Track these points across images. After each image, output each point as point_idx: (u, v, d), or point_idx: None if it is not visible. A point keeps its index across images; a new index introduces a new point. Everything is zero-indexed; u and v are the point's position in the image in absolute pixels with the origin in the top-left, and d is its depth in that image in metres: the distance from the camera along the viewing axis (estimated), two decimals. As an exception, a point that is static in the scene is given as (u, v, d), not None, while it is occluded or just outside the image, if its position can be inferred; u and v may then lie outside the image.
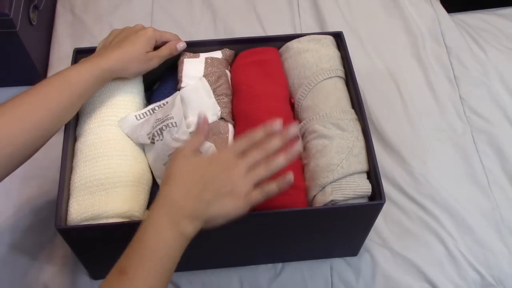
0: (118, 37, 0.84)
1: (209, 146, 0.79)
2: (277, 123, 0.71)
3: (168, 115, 0.80)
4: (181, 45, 0.88)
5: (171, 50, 0.87)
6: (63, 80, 0.75)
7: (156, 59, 0.84)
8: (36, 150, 0.75)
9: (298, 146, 0.72)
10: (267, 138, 0.71)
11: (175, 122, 0.80)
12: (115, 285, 0.61)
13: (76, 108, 0.78)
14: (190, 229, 0.65)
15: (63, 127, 0.80)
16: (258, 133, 0.72)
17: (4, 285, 0.90)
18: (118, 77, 0.82)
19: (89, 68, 0.77)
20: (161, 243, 0.63)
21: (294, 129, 0.71)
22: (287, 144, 0.71)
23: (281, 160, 0.70)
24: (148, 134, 0.81)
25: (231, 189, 0.67)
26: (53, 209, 0.76)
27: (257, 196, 0.69)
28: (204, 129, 0.74)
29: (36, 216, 0.96)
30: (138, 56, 0.82)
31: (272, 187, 0.70)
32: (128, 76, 0.83)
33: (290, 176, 0.71)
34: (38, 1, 1.10)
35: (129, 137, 0.82)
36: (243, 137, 0.72)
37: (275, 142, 0.71)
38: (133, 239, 0.64)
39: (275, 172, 0.70)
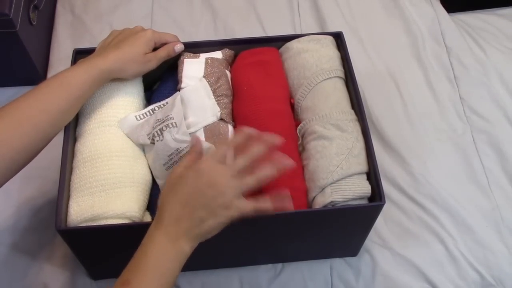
0: (117, 38, 0.84)
1: (208, 147, 0.79)
2: (250, 130, 0.73)
3: (168, 115, 0.80)
4: (179, 47, 0.88)
5: (168, 51, 0.87)
6: (61, 82, 0.75)
7: (154, 61, 0.84)
8: (36, 153, 0.75)
9: (288, 161, 0.72)
10: (249, 143, 0.72)
11: (175, 123, 0.80)
12: None
13: (75, 110, 0.78)
14: (188, 247, 0.67)
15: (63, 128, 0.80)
16: (238, 137, 0.72)
17: (4, 285, 0.90)
18: (117, 78, 0.82)
19: (87, 69, 0.77)
20: (162, 258, 0.65)
21: (278, 139, 0.72)
22: (275, 153, 0.72)
23: (268, 170, 0.70)
24: (148, 135, 0.81)
25: (222, 201, 0.67)
26: (53, 209, 0.76)
27: (248, 206, 0.69)
28: (197, 150, 0.74)
29: (36, 216, 0.96)
30: (136, 57, 0.81)
31: (267, 204, 0.70)
32: (126, 77, 0.83)
33: (286, 192, 0.72)
34: (38, 1, 1.10)
35: (129, 137, 0.82)
36: (223, 143, 0.73)
37: (258, 148, 0.71)
38: (135, 254, 0.66)
39: (264, 182, 0.70)
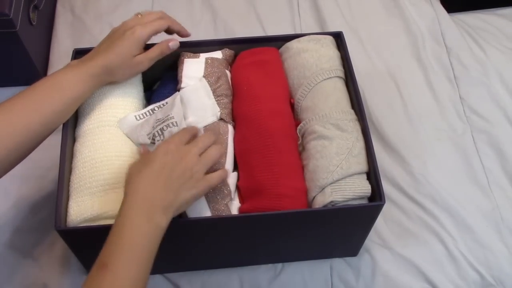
0: (109, 39, 0.81)
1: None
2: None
3: (169, 115, 0.80)
4: (173, 44, 0.84)
5: (162, 50, 0.83)
6: (53, 83, 0.75)
7: (145, 62, 0.81)
8: (27, 153, 0.75)
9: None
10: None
11: (176, 122, 0.80)
12: (97, 280, 0.62)
13: (68, 112, 0.78)
14: (164, 220, 0.67)
15: (62, 128, 0.80)
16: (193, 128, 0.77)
17: (4, 285, 0.90)
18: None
19: (77, 73, 0.77)
20: (139, 236, 0.65)
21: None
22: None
23: (217, 149, 0.76)
24: (148, 134, 0.81)
25: (191, 175, 0.70)
26: (53, 209, 0.76)
27: (215, 177, 0.74)
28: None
29: (36, 216, 0.96)
30: (124, 61, 0.79)
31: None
32: (118, 81, 0.82)
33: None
34: (38, 1, 1.10)
35: (128, 137, 0.82)
36: (186, 129, 0.76)
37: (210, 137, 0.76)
38: (110, 235, 0.65)
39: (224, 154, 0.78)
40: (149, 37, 0.81)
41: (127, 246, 0.64)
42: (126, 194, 0.68)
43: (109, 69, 0.78)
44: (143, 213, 0.66)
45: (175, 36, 0.88)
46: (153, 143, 0.81)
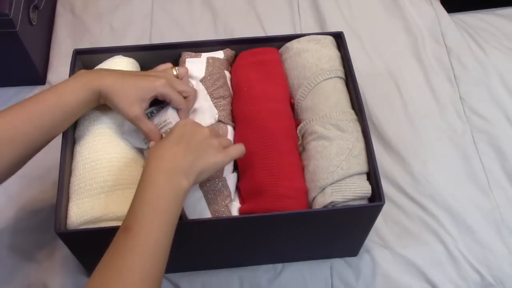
0: (134, 71, 0.84)
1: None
2: None
3: (166, 120, 0.80)
4: (152, 144, 0.78)
5: (148, 134, 0.78)
6: (57, 98, 0.74)
7: (136, 112, 0.76)
8: (24, 163, 0.75)
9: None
10: None
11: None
12: (122, 242, 0.63)
13: (68, 122, 0.77)
14: (185, 183, 0.68)
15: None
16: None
17: (4, 285, 0.90)
18: None
19: (82, 87, 0.75)
20: (161, 199, 0.66)
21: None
22: None
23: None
24: (144, 139, 0.81)
25: (209, 144, 0.73)
26: (53, 210, 0.76)
27: (235, 150, 0.76)
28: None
29: (36, 216, 0.96)
30: (128, 94, 0.76)
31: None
32: (111, 107, 0.78)
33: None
34: (38, 1, 1.10)
35: (127, 140, 0.82)
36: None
37: None
38: (133, 199, 0.66)
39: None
40: (162, 96, 0.79)
41: (150, 208, 0.65)
42: (147, 162, 0.69)
43: (105, 93, 0.76)
44: (164, 175, 0.67)
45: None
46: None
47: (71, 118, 0.77)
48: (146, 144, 0.81)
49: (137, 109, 0.76)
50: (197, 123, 0.76)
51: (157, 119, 0.81)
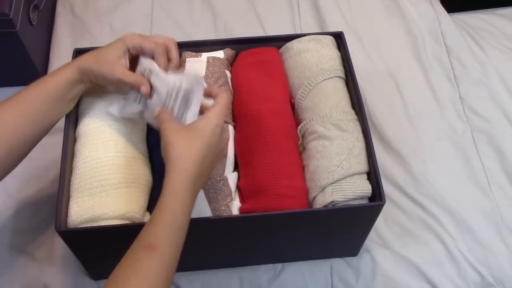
0: None
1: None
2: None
3: (144, 70, 0.77)
4: (144, 90, 0.75)
5: (136, 83, 0.76)
6: (38, 84, 0.75)
7: (117, 71, 0.75)
8: (21, 158, 0.75)
9: None
10: None
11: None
12: (145, 261, 0.61)
13: (54, 113, 0.77)
14: (198, 191, 0.68)
15: (63, 128, 0.80)
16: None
17: (4, 285, 0.90)
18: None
19: (63, 69, 0.76)
20: (185, 216, 0.65)
21: None
22: None
23: None
24: (137, 99, 0.77)
25: (223, 153, 0.76)
26: (53, 209, 0.76)
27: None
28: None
29: (36, 216, 0.96)
30: (103, 59, 0.76)
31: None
32: (95, 80, 0.77)
33: None
34: (38, 1, 1.10)
35: (123, 117, 0.80)
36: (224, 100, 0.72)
37: None
38: (155, 214, 0.64)
39: None
40: (135, 49, 0.77)
41: (175, 226, 0.64)
42: (173, 168, 0.66)
43: (91, 63, 0.76)
44: (187, 191, 0.65)
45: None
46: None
47: (58, 103, 0.76)
48: (139, 104, 0.78)
49: (118, 68, 0.75)
50: (224, 128, 0.72)
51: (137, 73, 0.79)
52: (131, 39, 0.77)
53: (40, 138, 0.76)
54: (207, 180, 0.72)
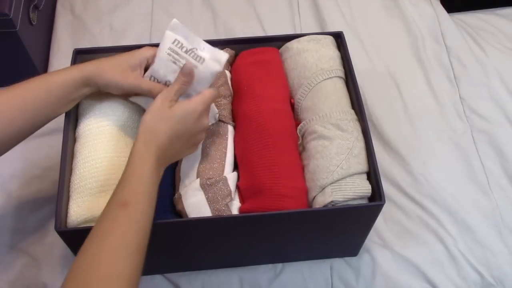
0: None
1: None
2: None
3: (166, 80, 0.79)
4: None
5: (151, 91, 0.78)
6: (42, 81, 0.75)
7: (131, 78, 0.77)
8: (5, 150, 0.75)
9: None
10: None
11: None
12: (120, 216, 0.65)
13: (53, 110, 0.77)
14: (162, 173, 0.73)
15: (63, 128, 0.80)
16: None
17: (4, 285, 0.90)
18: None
19: (69, 71, 0.76)
20: (151, 181, 0.69)
21: None
22: None
23: None
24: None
25: (200, 138, 0.78)
26: (53, 209, 0.76)
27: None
28: (189, 78, 0.76)
29: (36, 216, 0.96)
30: (117, 65, 0.77)
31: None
32: (104, 86, 0.78)
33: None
34: (38, 1, 1.11)
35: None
36: (214, 90, 0.77)
37: None
38: (125, 172, 0.69)
39: None
40: (146, 59, 0.80)
41: (143, 187, 0.68)
42: (144, 135, 0.70)
43: (99, 68, 0.77)
44: (156, 162, 0.70)
45: None
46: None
47: (58, 102, 0.76)
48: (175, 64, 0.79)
49: (130, 77, 0.77)
50: (205, 116, 0.76)
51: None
52: (147, 51, 0.80)
53: (31, 133, 0.76)
54: (175, 159, 0.76)
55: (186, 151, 0.77)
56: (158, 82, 0.79)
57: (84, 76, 0.76)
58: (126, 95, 0.81)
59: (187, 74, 0.75)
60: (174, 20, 0.79)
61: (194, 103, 0.74)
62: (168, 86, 0.78)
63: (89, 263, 0.61)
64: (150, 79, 0.79)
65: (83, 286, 0.60)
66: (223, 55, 0.79)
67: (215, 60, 0.78)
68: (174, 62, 0.78)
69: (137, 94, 0.80)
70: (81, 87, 0.77)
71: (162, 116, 0.72)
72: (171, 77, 0.78)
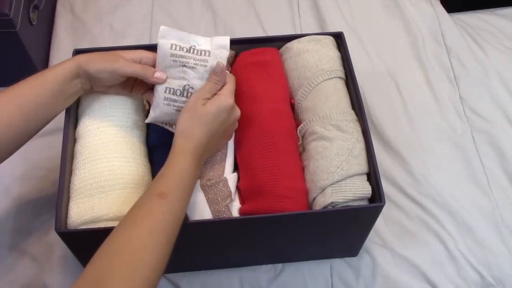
0: None
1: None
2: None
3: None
4: (159, 75, 0.79)
5: (145, 72, 0.78)
6: (37, 77, 0.76)
7: (121, 62, 0.77)
8: (8, 154, 0.74)
9: None
10: None
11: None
12: (156, 206, 0.67)
13: (50, 106, 0.76)
14: (201, 165, 0.76)
15: (63, 128, 0.80)
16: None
17: (4, 285, 0.90)
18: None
19: (62, 63, 0.77)
20: (189, 177, 0.72)
21: None
22: None
23: None
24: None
25: (232, 130, 0.82)
26: (53, 209, 0.76)
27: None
28: (222, 76, 0.78)
29: (36, 216, 0.96)
30: (109, 54, 0.79)
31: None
32: (95, 73, 0.77)
33: None
34: (38, 1, 1.10)
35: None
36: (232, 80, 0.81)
37: None
38: (165, 166, 0.71)
39: None
40: (148, 59, 0.81)
41: (181, 182, 0.70)
42: (181, 135, 0.73)
43: (90, 57, 0.77)
44: (195, 159, 0.73)
45: None
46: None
47: (54, 97, 0.76)
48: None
49: (122, 61, 0.77)
50: (233, 102, 0.78)
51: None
52: (142, 52, 0.81)
53: (33, 134, 0.76)
54: (213, 153, 0.81)
55: (222, 142, 0.81)
56: (175, 92, 0.79)
57: (76, 65, 0.77)
58: (122, 89, 0.81)
59: (219, 74, 0.77)
60: (162, 27, 0.80)
61: (225, 97, 0.76)
62: (187, 88, 0.79)
63: (117, 247, 0.62)
64: (165, 92, 0.79)
65: (107, 269, 0.60)
66: (223, 39, 0.81)
67: (219, 47, 0.80)
68: (184, 65, 0.78)
69: (129, 80, 0.80)
70: (74, 77, 0.77)
71: (197, 114, 0.74)
72: (187, 81, 0.78)
